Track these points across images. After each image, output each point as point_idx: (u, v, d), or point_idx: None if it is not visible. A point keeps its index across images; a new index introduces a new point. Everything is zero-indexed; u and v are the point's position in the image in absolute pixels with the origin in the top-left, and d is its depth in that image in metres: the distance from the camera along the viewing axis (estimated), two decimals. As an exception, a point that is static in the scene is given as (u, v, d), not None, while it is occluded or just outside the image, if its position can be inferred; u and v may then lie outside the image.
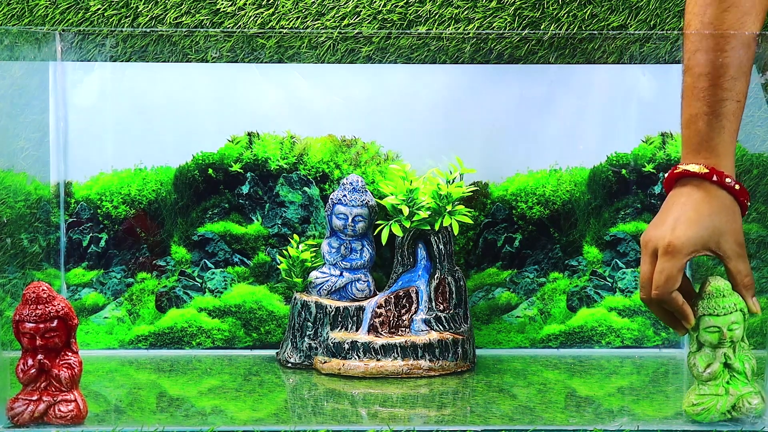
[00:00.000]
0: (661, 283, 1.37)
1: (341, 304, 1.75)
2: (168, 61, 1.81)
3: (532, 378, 1.70)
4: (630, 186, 1.84)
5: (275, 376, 1.71)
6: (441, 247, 1.74)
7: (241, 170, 1.83)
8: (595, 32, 1.82)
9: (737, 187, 1.37)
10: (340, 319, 1.74)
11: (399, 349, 1.70)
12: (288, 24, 1.82)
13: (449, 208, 1.73)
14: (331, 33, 1.81)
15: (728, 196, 1.37)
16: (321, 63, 1.82)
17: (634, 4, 1.82)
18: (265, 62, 1.82)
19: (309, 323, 1.75)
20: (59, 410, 1.41)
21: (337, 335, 1.73)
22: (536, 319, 1.86)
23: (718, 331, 1.40)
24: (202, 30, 1.81)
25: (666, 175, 1.42)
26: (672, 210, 1.38)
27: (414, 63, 1.82)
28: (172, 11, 1.81)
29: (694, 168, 1.38)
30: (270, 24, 1.81)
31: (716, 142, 1.37)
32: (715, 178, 1.36)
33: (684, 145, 1.40)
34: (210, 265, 1.85)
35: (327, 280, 1.77)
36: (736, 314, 1.40)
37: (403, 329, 1.73)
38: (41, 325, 1.40)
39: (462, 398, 1.60)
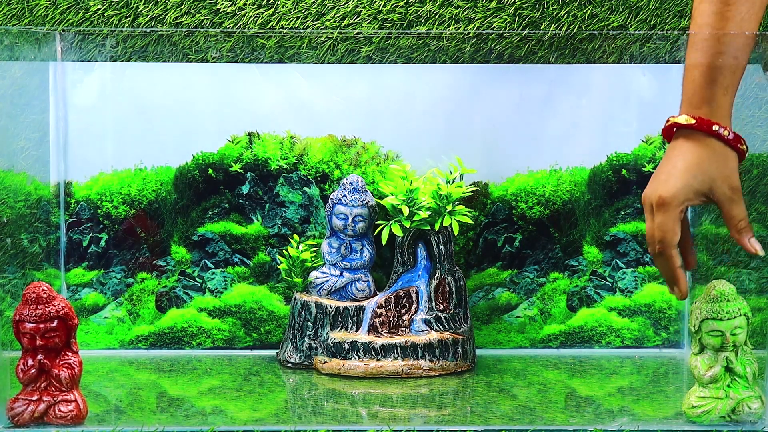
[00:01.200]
0: (660, 237, 1.37)
1: (341, 304, 1.75)
2: (168, 61, 1.81)
3: (532, 378, 1.70)
4: (630, 186, 1.84)
5: (275, 376, 1.71)
6: (441, 247, 1.74)
7: (241, 170, 1.83)
8: (595, 32, 1.82)
9: (725, 132, 1.36)
10: (340, 319, 1.74)
11: (399, 349, 1.70)
12: (288, 24, 1.82)
13: (449, 208, 1.73)
14: (331, 33, 1.81)
15: (718, 143, 1.37)
16: (321, 63, 1.82)
17: (634, 4, 1.82)
18: (265, 62, 1.82)
19: (309, 323, 1.75)
20: (59, 410, 1.41)
21: (337, 335, 1.73)
22: (536, 319, 1.86)
23: (721, 335, 1.40)
24: (202, 30, 1.81)
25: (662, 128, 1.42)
26: (664, 164, 1.39)
27: (414, 63, 1.82)
28: (172, 11, 1.81)
29: (681, 119, 1.38)
30: (270, 24, 1.81)
31: (708, 94, 1.37)
32: (702, 127, 1.36)
33: (682, 97, 1.40)
34: (210, 265, 1.85)
35: (327, 280, 1.77)
36: (740, 319, 1.40)
37: (403, 329, 1.73)
38: (41, 325, 1.40)
39: (462, 398, 1.60)
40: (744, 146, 1.39)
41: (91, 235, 1.83)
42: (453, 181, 1.75)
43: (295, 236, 1.81)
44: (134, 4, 1.81)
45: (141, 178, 1.83)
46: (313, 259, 1.78)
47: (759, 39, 1.41)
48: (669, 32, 1.81)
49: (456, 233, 1.75)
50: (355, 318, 1.74)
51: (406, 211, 1.72)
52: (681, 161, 1.37)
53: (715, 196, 1.37)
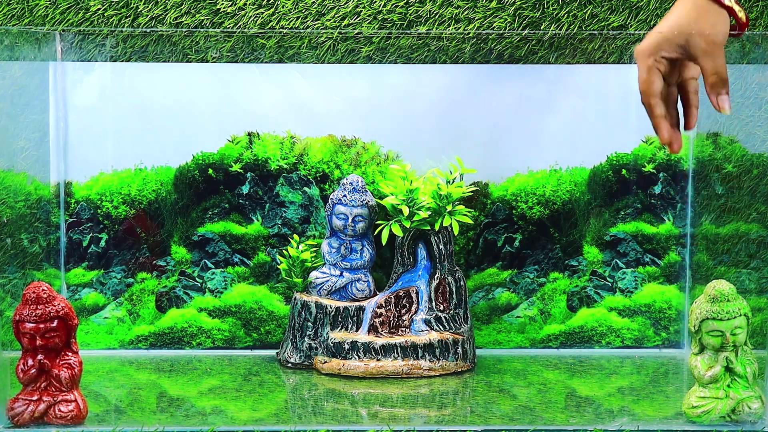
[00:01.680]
0: (639, 88, 1.39)
1: (341, 304, 1.75)
2: (168, 61, 1.81)
3: (532, 378, 1.70)
4: (630, 186, 1.84)
5: (275, 376, 1.71)
6: (441, 247, 1.74)
7: (241, 170, 1.83)
8: (595, 32, 1.82)
9: None
10: (340, 319, 1.74)
11: (399, 349, 1.70)
12: (288, 24, 1.82)
13: (449, 208, 1.73)
14: (331, 33, 1.81)
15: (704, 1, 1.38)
16: (321, 63, 1.82)
17: (634, 4, 1.82)
18: (265, 62, 1.82)
19: (309, 323, 1.75)
20: (59, 410, 1.41)
21: (337, 335, 1.73)
22: (536, 319, 1.86)
23: (721, 335, 1.40)
24: (202, 30, 1.81)
25: None
26: None
27: (414, 63, 1.82)
28: (172, 11, 1.81)
29: None
30: (270, 24, 1.81)
31: None
32: None
33: None
34: (210, 265, 1.84)
35: (327, 280, 1.77)
36: (739, 319, 1.40)
37: (403, 329, 1.73)
38: (41, 325, 1.40)
39: (462, 398, 1.60)
40: (736, 7, 1.37)
41: (91, 235, 1.83)
42: (453, 181, 1.75)
43: (295, 236, 1.81)
44: (134, 4, 1.81)
45: (141, 178, 1.83)
46: (313, 259, 1.78)
47: (759, 39, 1.41)
48: (669, 32, 1.81)
49: (456, 233, 1.75)
50: (355, 318, 1.74)
51: (406, 211, 1.72)
52: (665, 18, 1.39)
53: (690, 48, 1.38)
